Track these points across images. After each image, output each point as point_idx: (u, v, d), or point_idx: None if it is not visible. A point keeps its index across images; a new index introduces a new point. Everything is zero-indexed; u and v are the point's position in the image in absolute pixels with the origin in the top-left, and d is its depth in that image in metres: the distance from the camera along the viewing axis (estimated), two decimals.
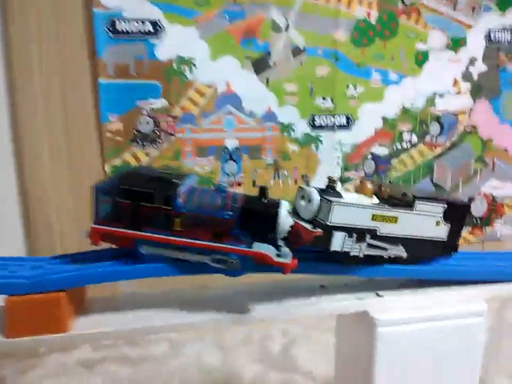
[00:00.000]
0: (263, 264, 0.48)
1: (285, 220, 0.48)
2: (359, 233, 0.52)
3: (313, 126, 1.17)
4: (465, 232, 1.27)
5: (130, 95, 1.06)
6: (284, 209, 0.49)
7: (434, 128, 1.24)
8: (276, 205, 0.49)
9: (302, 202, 0.53)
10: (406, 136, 1.23)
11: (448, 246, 0.58)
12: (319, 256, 0.55)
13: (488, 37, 1.23)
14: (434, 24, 1.19)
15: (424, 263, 0.57)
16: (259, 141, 1.15)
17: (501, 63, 1.23)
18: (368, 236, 0.52)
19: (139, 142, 1.09)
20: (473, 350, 0.57)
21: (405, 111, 1.21)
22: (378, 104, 1.19)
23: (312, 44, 1.13)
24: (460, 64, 1.22)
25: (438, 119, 1.23)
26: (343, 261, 0.53)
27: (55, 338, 0.48)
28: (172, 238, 0.48)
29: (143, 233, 0.48)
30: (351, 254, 0.52)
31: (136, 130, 1.08)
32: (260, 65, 1.11)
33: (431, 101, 1.22)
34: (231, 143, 1.13)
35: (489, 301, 0.65)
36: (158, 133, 1.09)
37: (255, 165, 1.16)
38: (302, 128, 1.17)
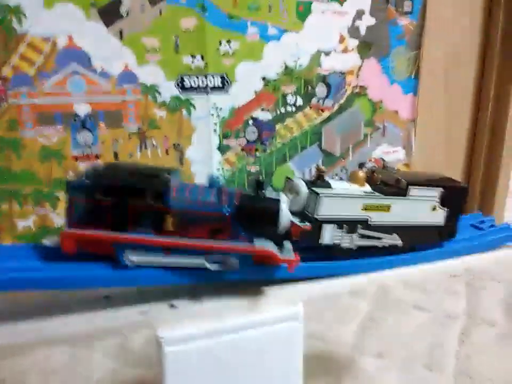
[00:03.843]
0: (263, 263, 0.45)
1: (287, 215, 0.46)
2: (350, 224, 0.50)
3: (182, 88, 1.02)
4: None
5: None
6: (285, 204, 0.46)
7: (320, 89, 1.13)
8: (277, 200, 0.46)
9: (290, 195, 0.51)
10: (290, 99, 1.12)
11: (447, 231, 0.56)
12: (308, 251, 0.51)
13: None
14: None
15: (421, 249, 0.57)
16: (118, 106, 0.99)
17: (390, 16, 1.13)
18: (359, 226, 0.50)
19: None
20: (291, 357, 0.49)
21: (288, 71, 1.10)
22: (258, 63, 1.06)
23: None
24: (346, 17, 1.10)
25: (324, 79, 1.13)
26: (334, 253, 0.51)
27: None
28: (165, 239, 0.42)
29: (133, 236, 0.40)
30: (342, 245, 0.50)
31: None
32: (109, 15, 0.93)
33: (316, 60, 1.11)
34: (81, 109, 0.96)
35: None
36: None
37: (115, 134, 1.01)
38: (169, 90, 1.02)
